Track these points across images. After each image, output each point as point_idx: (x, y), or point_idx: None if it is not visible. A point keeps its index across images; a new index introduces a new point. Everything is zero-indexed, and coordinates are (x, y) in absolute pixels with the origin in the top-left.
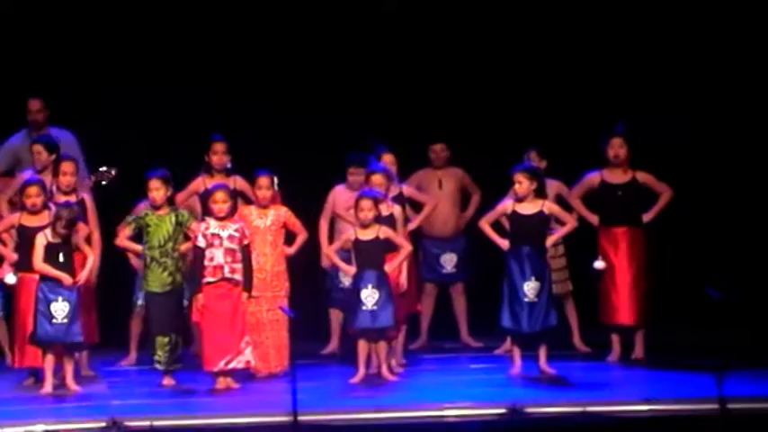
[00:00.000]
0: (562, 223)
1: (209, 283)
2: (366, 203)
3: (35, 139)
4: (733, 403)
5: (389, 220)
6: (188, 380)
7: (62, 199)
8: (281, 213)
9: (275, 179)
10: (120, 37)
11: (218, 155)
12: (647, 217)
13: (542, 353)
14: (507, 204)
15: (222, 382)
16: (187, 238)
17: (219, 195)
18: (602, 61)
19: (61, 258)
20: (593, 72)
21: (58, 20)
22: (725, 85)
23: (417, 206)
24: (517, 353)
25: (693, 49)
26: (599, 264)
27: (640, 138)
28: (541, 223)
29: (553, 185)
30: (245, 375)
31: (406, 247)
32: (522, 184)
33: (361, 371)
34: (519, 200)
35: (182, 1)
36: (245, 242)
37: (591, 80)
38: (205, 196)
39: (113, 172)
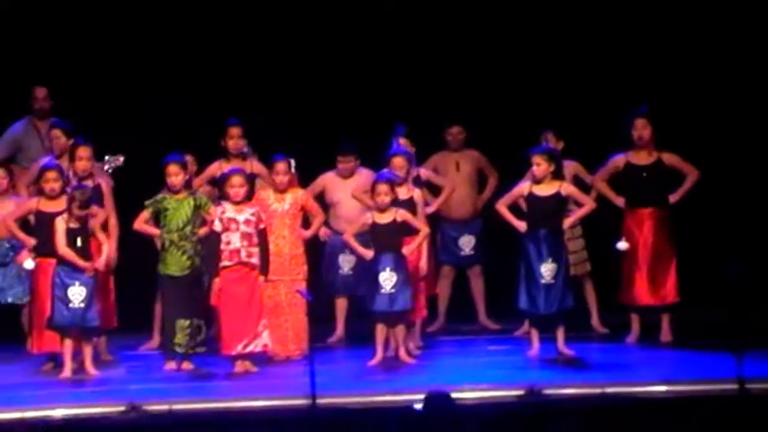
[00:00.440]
0: (579, 204)
1: (225, 267)
2: (383, 187)
3: (53, 124)
4: (752, 383)
5: (410, 204)
6: (206, 364)
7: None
8: (298, 196)
9: (292, 162)
10: (133, 28)
11: (234, 139)
12: (673, 198)
13: (560, 334)
14: (524, 186)
15: (240, 366)
16: (205, 222)
17: (236, 180)
18: (618, 41)
19: (79, 243)
20: (608, 52)
21: (62, 9)
22: (749, 66)
23: (434, 189)
24: (535, 335)
25: (717, 27)
26: (622, 244)
27: (663, 119)
28: (558, 205)
29: (570, 166)
30: (262, 359)
31: (424, 230)
32: (541, 165)
33: (379, 354)
34: (536, 182)
35: None
36: (262, 226)
37: (606, 60)
38: (221, 181)
39: (121, 159)
